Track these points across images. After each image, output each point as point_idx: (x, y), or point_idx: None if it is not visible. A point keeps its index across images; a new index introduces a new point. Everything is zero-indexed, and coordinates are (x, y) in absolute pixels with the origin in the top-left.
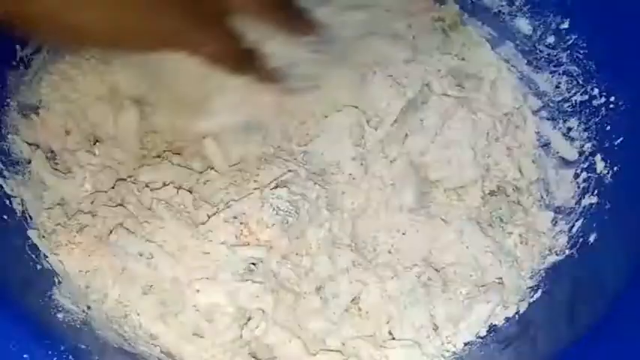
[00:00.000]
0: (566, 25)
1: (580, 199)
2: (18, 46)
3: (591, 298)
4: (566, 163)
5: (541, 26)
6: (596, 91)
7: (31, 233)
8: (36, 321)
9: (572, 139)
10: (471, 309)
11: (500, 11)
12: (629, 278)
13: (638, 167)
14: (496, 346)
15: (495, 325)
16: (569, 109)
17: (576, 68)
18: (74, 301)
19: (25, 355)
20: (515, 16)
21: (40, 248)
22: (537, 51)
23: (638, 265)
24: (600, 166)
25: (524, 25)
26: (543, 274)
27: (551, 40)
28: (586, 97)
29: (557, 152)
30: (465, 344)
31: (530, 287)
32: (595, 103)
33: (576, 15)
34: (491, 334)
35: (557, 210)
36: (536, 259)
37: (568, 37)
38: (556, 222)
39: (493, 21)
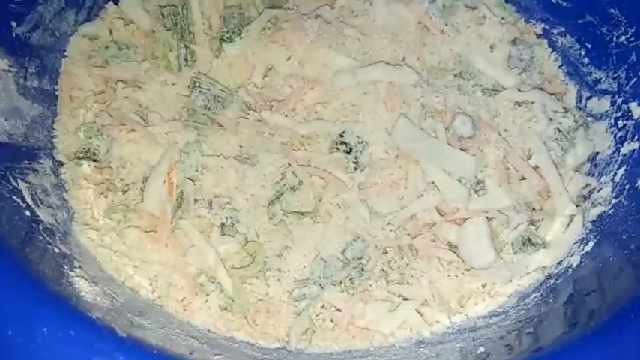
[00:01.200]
0: None
1: (618, 147)
2: None
3: None
4: (597, 115)
5: None
6: (622, 38)
7: None
8: None
9: (602, 91)
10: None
11: None
12: None
13: None
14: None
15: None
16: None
17: (598, 18)
18: None
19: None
20: None
21: None
22: None
23: None
24: (637, 111)
25: None
26: (590, 227)
27: None
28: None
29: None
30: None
31: (579, 241)
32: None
33: None
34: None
35: (593, 162)
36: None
37: None
38: (599, 173)
39: None
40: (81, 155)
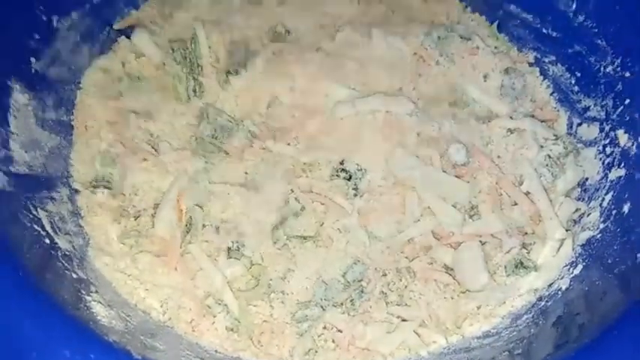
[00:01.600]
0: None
1: (606, 174)
2: None
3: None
4: (587, 141)
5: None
6: (610, 68)
7: None
8: None
9: (591, 119)
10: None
11: None
12: None
13: None
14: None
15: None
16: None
17: (587, 48)
18: None
19: None
20: None
21: None
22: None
23: None
24: (623, 139)
25: None
26: (580, 251)
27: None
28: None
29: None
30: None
31: (569, 264)
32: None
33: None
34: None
35: (583, 187)
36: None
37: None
38: (588, 198)
39: None
40: (95, 183)
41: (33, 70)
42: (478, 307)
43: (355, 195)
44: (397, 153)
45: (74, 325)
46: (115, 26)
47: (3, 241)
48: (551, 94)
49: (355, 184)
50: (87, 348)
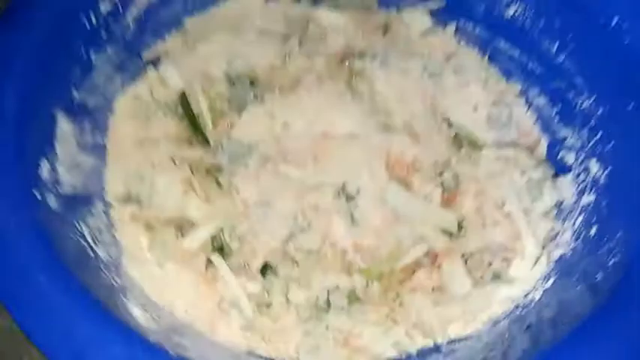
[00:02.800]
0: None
1: (580, 197)
2: None
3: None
4: (564, 167)
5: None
6: (586, 103)
7: None
8: None
9: (568, 148)
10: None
11: None
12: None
13: (629, 168)
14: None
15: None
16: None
17: (566, 84)
18: None
19: None
20: None
21: None
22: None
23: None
24: (595, 168)
25: None
26: (552, 266)
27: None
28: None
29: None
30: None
31: (542, 277)
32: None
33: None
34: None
35: (559, 208)
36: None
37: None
38: (562, 219)
39: None
40: (126, 199)
41: (75, 101)
42: (463, 312)
43: (353, 223)
44: (391, 188)
45: (120, 325)
46: (144, 57)
47: (58, 256)
48: (535, 123)
49: (352, 213)
50: (134, 347)
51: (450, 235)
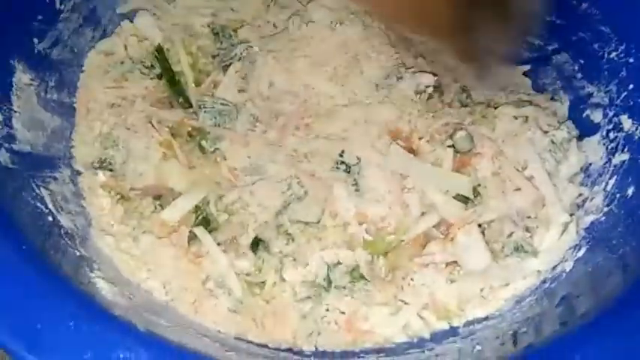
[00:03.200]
0: None
1: (610, 158)
2: None
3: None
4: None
5: None
6: (613, 54)
7: None
8: None
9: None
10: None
11: None
12: None
13: None
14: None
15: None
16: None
17: (590, 35)
18: None
19: None
20: None
21: None
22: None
23: None
24: (627, 124)
25: None
26: (583, 234)
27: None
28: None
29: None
30: None
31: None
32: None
33: None
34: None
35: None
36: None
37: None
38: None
39: None
40: (97, 165)
41: (36, 51)
42: (481, 290)
43: (356, 190)
44: (393, 151)
45: (80, 297)
46: (119, 10)
47: (8, 217)
48: (555, 81)
49: (355, 179)
50: (92, 319)
51: (465, 202)
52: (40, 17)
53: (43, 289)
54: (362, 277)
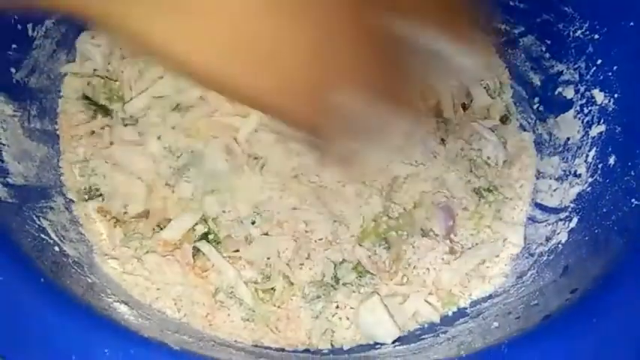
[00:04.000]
0: None
1: (587, 131)
2: None
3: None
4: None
5: None
6: (578, 32)
7: None
8: None
9: (566, 82)
10: None
11: None
12: None
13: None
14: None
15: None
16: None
17: (554, 16)
18: None
19: None
20: None
21: None
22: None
23: None
24: (600, 97)
25: None
26: (572, 206)
27: None
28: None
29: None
30: None
31: (562, 219)
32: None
33: None
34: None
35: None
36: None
37: None
38: (572, 156)
39: None
40: (86, 197)
41: (14, 81)
42: (479, 264)
43: None
44: None
45: (107, 324)
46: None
47: (23, 253)
48: (525, 63)
49: None
50: (126, 344)
51: None
52: (14, 46)
53: (69, 320)
54: (367, 271)
